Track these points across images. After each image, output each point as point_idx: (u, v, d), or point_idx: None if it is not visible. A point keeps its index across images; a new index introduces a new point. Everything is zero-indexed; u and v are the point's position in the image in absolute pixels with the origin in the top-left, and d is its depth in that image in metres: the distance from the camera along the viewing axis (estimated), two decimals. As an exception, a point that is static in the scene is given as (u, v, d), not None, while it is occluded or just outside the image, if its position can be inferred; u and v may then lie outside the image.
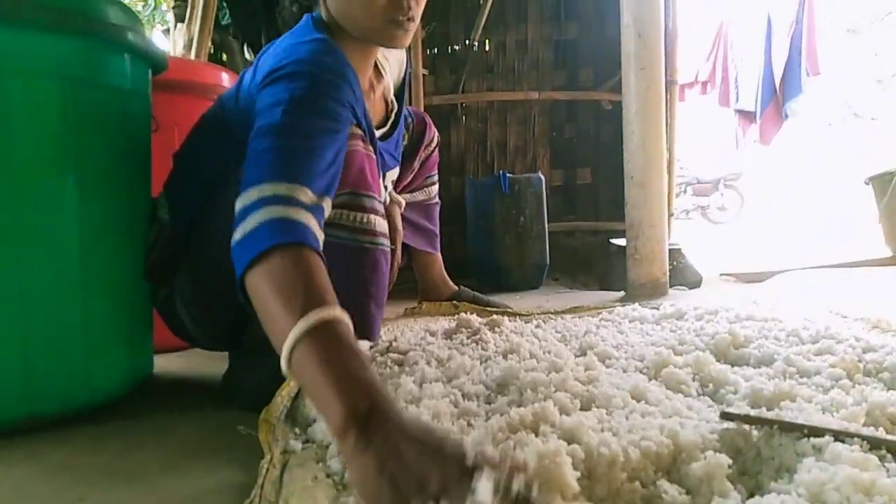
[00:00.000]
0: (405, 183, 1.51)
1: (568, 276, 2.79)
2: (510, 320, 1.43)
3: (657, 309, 1.44)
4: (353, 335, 0.63)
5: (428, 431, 0.52)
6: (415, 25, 1.04)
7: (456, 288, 1.69)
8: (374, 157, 1.02)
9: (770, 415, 0.72)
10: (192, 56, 1.93)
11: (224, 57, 3.36)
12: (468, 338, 1.23)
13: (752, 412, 0.73)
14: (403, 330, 1.39)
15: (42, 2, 0.87)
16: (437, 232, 1.64)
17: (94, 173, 0.96)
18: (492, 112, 2.94)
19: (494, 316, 1.41)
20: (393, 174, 1.28)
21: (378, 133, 1.18)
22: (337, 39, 1.02)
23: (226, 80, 1.50)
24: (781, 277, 2.25)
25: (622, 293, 2.10)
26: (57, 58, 0.90)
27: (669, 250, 2.14)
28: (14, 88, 0.87)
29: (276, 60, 0.93)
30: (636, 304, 1.54)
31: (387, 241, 1.04)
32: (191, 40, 1.91)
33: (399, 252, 1.37)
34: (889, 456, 0.63)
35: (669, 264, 2.13)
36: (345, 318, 0.64)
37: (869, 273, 2.19)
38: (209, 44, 2.15)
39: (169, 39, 2.78)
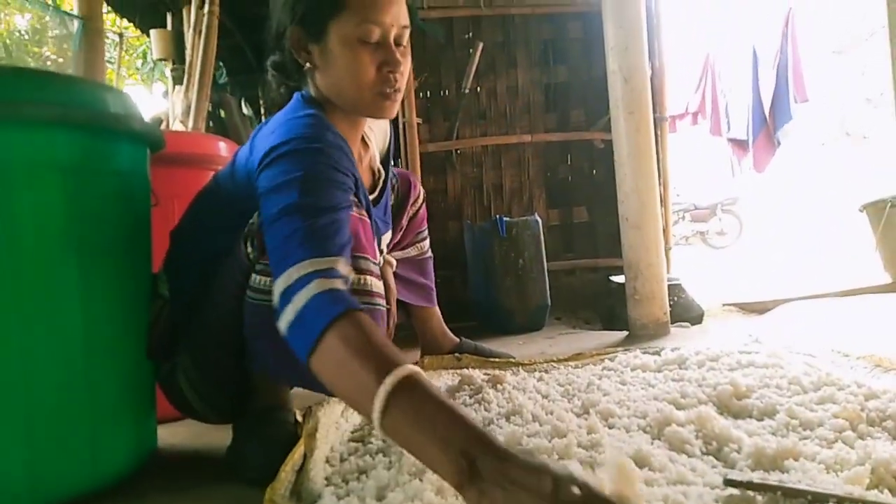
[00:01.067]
0: (396, 241, 1.54)
1: (570, 315, 2.79)
2: (513, 374, 1.43)
3: (658, 355, 1.44)
4: (430, 382, 0.68)
5: (527, 468, 0.57)
6: (401, 96, 1.09)
7: (457, 340, 1.68)
8: (367, 220, 1.06)
9: (773, 480, 0.72)
10: (191, 122, 1.97)
11: (222, 114, 3.44)
12: (470, 397, 1.23)
13: (756, 477, 0.73)
14: (406, 389, 1.38)
15: (43, 98, 0.90)
16: (433, 286, 1.65)
17: (97, 257, 0.98)
18: (486, 156, 2.99)
19: (497, 371, 1.41)
20: (387, 237, 1.32)
21: None
22: (327, 114, 1.05)
23: (223, 149, 1.53)
24: (783, 309, 2.25)
25: (625, 333, 2.09)
26: (60, 150, 0.93)
27: (669, 286, 2.15)
28: (18, 181, 0.89)
29: (276, 138, 0.95)
30: (637, 349, 1.54)
31: (382, 301, 1.06)
32: (188, 107, 1.96)
33: (394, 310, 1.38)
34: (894, 522, 0.63)
35: (670, 300, 2.13)
36: (418, 368, 0.68)
37: (869, 301, 2.20)
38: (207, 106, 2.21)
39: (167, 101, 2.84)
